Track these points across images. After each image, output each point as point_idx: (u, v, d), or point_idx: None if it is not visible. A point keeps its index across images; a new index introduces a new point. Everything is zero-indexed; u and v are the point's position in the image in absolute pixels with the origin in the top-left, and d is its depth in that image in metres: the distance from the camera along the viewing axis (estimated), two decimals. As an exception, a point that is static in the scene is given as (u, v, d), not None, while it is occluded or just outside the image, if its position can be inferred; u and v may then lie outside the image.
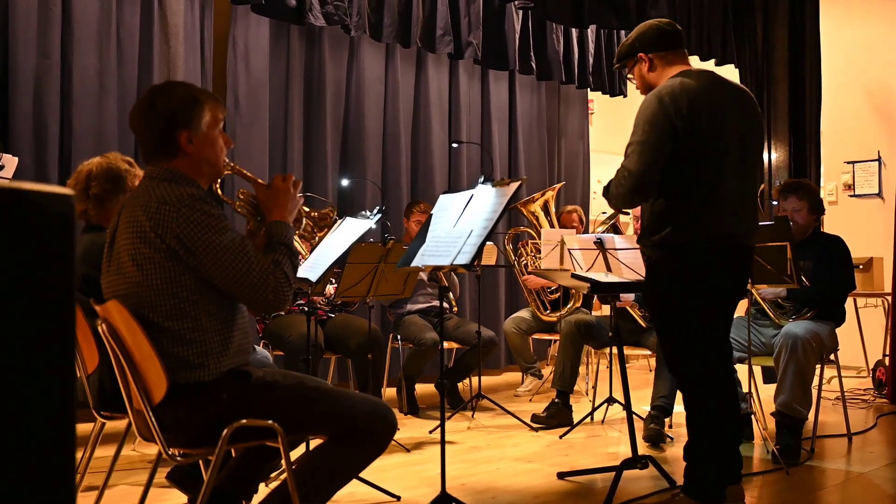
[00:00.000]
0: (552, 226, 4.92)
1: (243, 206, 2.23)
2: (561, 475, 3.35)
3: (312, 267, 3.22)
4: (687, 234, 2.67)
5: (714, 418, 2.75)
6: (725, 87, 2.77)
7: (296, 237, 2.37)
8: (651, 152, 2.63)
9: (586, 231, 5.62)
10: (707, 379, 2.75)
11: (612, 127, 8.24)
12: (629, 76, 2.95)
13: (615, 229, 4.24)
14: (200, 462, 2.48)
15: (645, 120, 2.66)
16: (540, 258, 4.63)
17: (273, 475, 2.67)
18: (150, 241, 1.93)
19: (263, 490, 2.31)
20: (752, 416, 3.75)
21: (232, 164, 2.23)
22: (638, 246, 3.76)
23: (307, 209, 2.39)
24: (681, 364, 2.82)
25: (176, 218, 1.92)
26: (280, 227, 2.13)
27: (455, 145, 6.23)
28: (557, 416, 4.38)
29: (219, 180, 2.22)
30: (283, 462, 2.03)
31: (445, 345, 4.89)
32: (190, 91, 2.09)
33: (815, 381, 3.76)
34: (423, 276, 4.65)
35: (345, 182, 5.65)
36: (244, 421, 1.96)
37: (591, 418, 4.51)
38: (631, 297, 4.29)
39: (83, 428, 3.21)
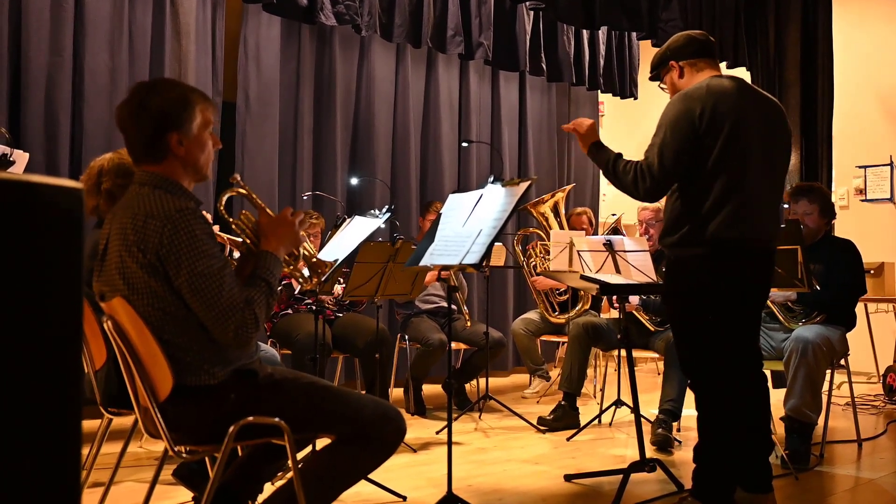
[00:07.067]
0: (562, 227, 4.90)
1: (241, 226, 2.19)
2: (568, 477, 3.34)
3: (321, 266, 3.22)
4: (701, 233, 2.65)
5: (725, 422, 2.72)
6: (752, 95, 2.78)
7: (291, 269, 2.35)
8: (672, 158, 2.64)
9: (596, 233, 5.60)
10: (723, 383, 2.72)
11: (622, 129, 8.22)
12: (662, 86, 2.97)
13: (616, 232, 4.22)
14: (207, 460, 2.48)
15: (668, 122, 2.68)
16: (549, 259, 4.61)
17: (279, 474, 2.66)
18: (133, 254, 1.91)
19: (269, 489, 2.31)
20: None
21: (243, 184, 2.22)
22: (647, 248, 3.75)
23: (309, 252, 2.36)
24: (697, 366, 2.79)
25: (160, 234, 1.89)
26: (269, 259, 2.07)
27: (465, 144, 6.23)
28: (564, 419, 4.37)
29: (224, 199, 2.21)
30: (289, 461, 2.02)
31: (453, 345, 4.88)
32: (182, 91, 2.05)
33: (826, 387, 3.74)
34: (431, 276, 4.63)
35: (354, 181, 5.65)
36: (251, 418, 1.96)
37: (599, 421, 4.49)
38: (636, 300, 4.27)
39: (90, 424, 3.21)
